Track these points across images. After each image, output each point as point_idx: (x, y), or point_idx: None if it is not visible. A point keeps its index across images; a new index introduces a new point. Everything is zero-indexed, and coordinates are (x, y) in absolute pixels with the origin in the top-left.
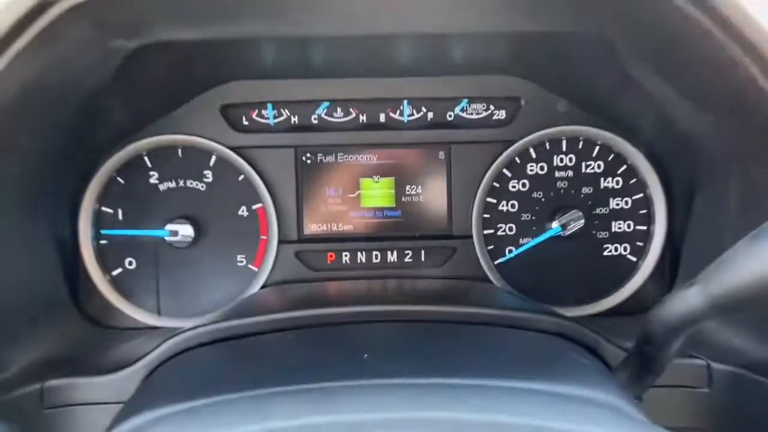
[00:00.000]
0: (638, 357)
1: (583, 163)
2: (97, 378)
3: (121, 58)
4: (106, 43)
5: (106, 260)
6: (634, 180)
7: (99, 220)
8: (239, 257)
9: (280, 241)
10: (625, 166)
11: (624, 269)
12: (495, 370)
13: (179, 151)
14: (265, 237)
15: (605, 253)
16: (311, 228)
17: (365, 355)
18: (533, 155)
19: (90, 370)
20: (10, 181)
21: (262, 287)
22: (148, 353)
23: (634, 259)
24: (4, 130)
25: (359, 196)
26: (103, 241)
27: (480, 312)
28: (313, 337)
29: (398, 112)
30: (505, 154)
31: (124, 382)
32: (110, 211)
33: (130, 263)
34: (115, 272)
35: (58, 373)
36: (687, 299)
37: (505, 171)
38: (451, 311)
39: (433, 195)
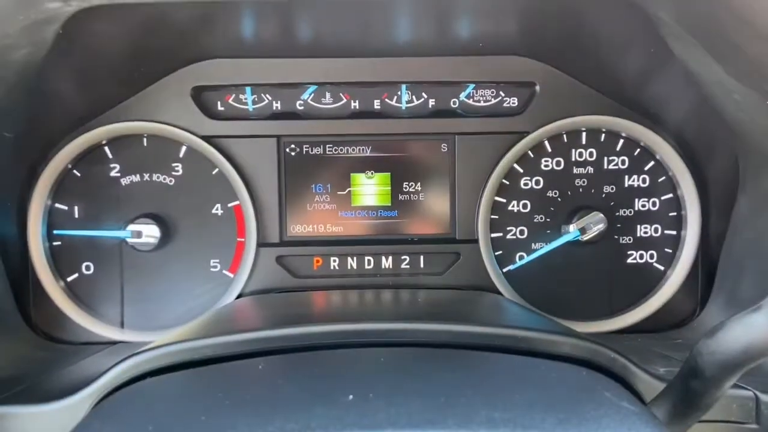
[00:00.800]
0: (682, 392)
1: (605, 158)
2: (38, 407)
3: (60, 25)
4: (38, 5)
5: (59, 264)
6: (663, 178)
7: (51, 219)
8: (213, 262)
9: (260, 244)
10: (653, 162)
11: (650, 280)
12: (515, 420)
13: (144, 140)
14: (242, 239)
15: (629, 261)
16: (295, 229)
17: (350, 396)
18: (548, 149)
19: (32, 395)
20: None
21: (239, 296)
22: (97, 378)
23: (661, 268)
24: None
25: (350, 193)
26: (56, 243)
27: (491, 333)
28: (290, 367)
29: (395, 98)
30: (516, 147)
31: (69, 412)
32: (65, 208)
33: (88, 268)
34: (70, 278)
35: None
36: (752, 327)
37: (516, 166)
38: (457, 331)
39: (434, 193)
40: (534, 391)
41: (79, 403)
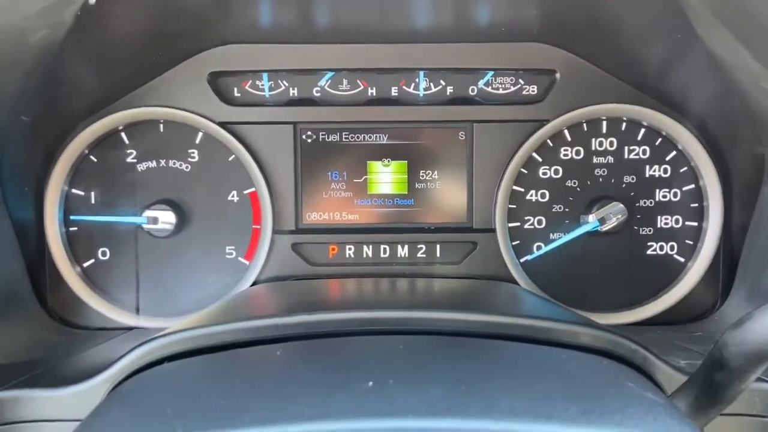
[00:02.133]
0: (705, 384)
1: (626, 148)
2: (54, 391)
3: (79, 7)
4: None
5: (76, 250)
6: (685, 168)
7: (68, 204)
8: (228, 249)
9: (275, 231)
10: (674, 152)
11: (670, 271)
12: (537, 409)
13: (161, 125)
14: (258, 226)
15: (649, 253)
16: (311, 217)
17: (370, 383)
18: (568, 138)
19: (49, 379)
20: None
21: (254, 283)
22: (113, 363)
23: (682, 259)
24: None
25: (366, 181)
26: (72, 228)
27: (509, 323)
28: (308, 353)
29: (413, 85)
30: (535, 135)
31: (85, 396)
32: (81, 193)
33: (104, 254)
34: (86, 264)
35: (11, 383)
36: None
37: (535, 155)
38: (475, 320)
39: (451, 181)
40: (555, 381)
41: (96, 387)
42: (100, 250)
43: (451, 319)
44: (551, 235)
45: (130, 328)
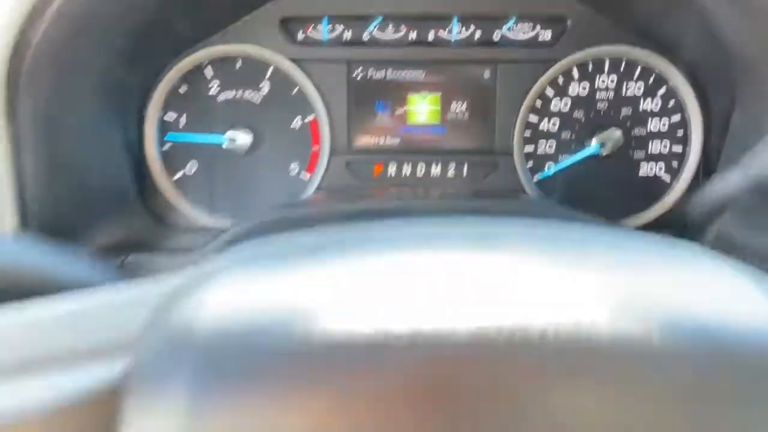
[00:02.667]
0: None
1: (624, 84)
2: (174, 256)
3: None
4: None
5: (169, 164)
6: (673, 102)
7: (162, 127)
8: (292, 166)
9: (332, 152)
10: (665, 88)
11: (659, 188)
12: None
13: (238, 62)
14: (317, 147)
15: (641, 173)
16: (361, 141)
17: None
18: (576, 75)
19: (165, 250)
20: (90, 89)
21: None
22: (217, 239)
23: (668, 179)
24: (83, 33)
25: (406, 112)
26: (166, 147)
27: (527, 210)
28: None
29: (447, 30)
30: (548, 73)
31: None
32: (173, 118)
33: (191, 168)
34: (177, 175)
35: (137, 252)
36: (727, 179)
37: (548, 90)
38: (498, 208)
39: (477, 113)
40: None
41: (205, 254)
42: (188, 164)
43: (480, 206)
44: (560, 157)
45: (211, 228)
